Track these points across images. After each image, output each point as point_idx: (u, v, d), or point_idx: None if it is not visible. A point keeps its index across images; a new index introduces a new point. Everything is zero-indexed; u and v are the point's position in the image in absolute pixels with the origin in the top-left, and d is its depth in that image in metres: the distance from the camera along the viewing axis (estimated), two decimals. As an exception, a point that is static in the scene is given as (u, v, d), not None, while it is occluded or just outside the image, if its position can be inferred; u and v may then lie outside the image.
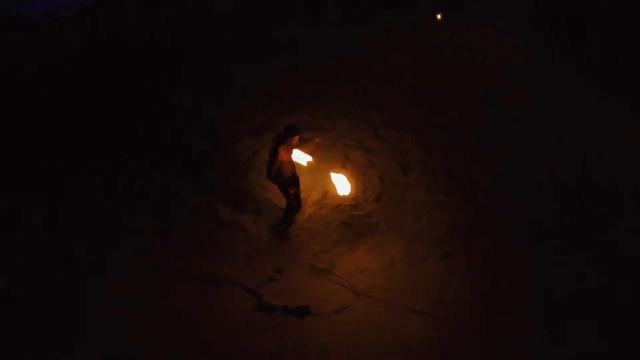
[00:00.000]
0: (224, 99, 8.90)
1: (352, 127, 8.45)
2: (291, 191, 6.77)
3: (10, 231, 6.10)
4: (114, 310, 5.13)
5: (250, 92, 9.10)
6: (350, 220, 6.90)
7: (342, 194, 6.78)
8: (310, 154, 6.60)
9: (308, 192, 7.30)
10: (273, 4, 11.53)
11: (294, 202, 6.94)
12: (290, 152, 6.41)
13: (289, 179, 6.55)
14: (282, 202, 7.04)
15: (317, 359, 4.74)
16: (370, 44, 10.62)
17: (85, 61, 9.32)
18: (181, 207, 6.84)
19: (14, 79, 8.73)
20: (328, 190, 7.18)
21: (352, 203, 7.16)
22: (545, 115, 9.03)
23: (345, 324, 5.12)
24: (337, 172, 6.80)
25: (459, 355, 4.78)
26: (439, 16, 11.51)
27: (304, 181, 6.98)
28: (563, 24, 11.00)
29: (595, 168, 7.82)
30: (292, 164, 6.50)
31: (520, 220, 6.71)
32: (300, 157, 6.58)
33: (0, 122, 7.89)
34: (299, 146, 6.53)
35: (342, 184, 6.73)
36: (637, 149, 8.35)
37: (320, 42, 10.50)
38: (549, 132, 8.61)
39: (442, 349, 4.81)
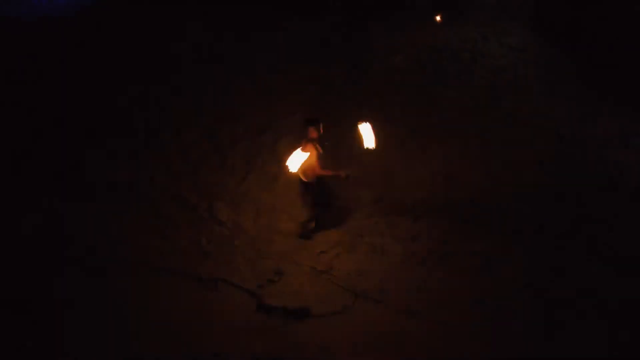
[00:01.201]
0: (224, 100, 8.89)
1: (353, 127, 8.44)
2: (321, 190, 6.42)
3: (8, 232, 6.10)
4: (114, 311, 5.13)
5: (250, 93, 9.10)
6: (349, 222, 6.90)
7: (368, 147, 6.25)
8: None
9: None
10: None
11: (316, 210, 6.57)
12: (312, 149, 6.02)
13: (309, 182, 6.28)
14: (281, 202, 7.06)
15: (317, 360, 4.74)
16: (369, 44, 10.62)
17: (83, 62, 9.33)
18: (181, 208, 6.84)
19: (10, 81, 8.73)
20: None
21: (352, 205, 7.16)
22: (545, 116, 9.04)
23: (344, 325, 5.11)
24: (363, 123, 6.27)
25: (457, 356, 4.78)
26: (438, 18, 11.50)
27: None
28: (562, 25, 11.01)
29: (595, 168, 7.82)
30: (314, 164, 6.11)
31: (519, 221, 6.70)
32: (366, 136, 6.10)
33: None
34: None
35: (369, 136, 6.23)
36: (637, 148, 8.35)
37: (320, 42, 10.50)
38: (548, 132, 8.61)
39: (441, 350, 4.80)
